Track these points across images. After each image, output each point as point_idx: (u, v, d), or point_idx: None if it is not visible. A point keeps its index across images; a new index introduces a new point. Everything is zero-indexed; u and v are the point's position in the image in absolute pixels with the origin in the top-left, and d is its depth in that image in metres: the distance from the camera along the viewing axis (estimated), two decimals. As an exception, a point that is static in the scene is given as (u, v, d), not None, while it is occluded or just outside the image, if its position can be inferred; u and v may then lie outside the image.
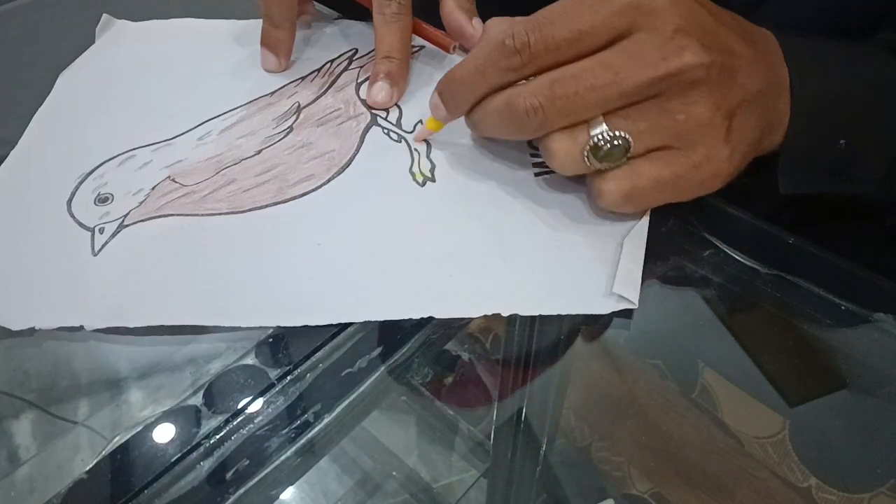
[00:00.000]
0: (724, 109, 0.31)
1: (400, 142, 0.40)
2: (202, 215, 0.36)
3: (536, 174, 0.37)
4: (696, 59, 0.30)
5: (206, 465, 0.28)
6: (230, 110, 0.42)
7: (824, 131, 0.34)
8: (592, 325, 0.33)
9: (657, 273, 0.32)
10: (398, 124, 0.41)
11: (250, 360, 0.30)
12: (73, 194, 0.37)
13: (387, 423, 0.36)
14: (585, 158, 0.32)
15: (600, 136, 0.31)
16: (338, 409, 0.30)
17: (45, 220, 0.36)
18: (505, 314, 0.31)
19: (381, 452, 0.36)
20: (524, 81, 0.32)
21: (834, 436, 0.32)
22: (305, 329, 0.31)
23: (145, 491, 0.27)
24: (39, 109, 0.44)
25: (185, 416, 0.29)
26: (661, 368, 0.34)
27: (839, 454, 0.31)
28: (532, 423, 0.33)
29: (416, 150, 0.39)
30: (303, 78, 0.45)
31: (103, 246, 0.35)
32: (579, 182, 0.36)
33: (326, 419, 0.29)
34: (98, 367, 0.31)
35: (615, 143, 0.31)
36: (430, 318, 0.31)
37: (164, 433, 0.28)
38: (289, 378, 0.30)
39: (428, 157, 0.38)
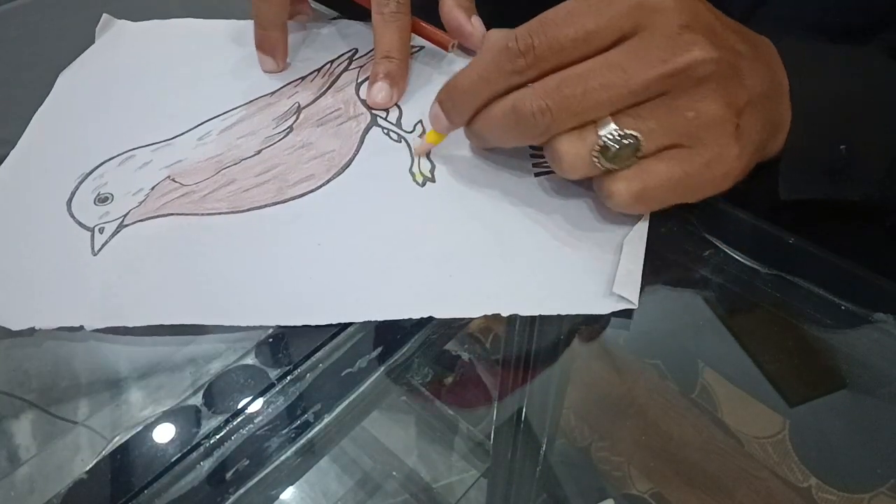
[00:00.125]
0: (733, 107, 0.30)
1: (400, 142, 0.40)
2: (202, 215, 0.36)
3: (536, 174, 0.37)
4: (705, 55, 0.29)
5: (206, 465, 0.28)
6: (230, 110, 0.43)
7: (824, 133, 0.34)
8: (592, 325, 0.33)
9: (657, 273, 0.32)
10: (398, 124, 0.41)
11: (250, 360, 0.30)
12: (72, 194, 0.37)
13: (387, 423, 0.36)
14: (595, 160, 0.31)
15: (609, 136, 0.30)
16: (338, 409, 0.30)
17: (45, 220, 0.36)
18: (505, 314, 0.31)
19: (381, 452, 0.36)
20: (528, 86, 0.31)
21: (834, 436, 0.32)
22: (305, 329, 0.31)
23: (145, 491, 0.27)
24: (39, 109, 0.44)
25: (185, 416, 0.29)
26: (661, 368, 0.34)
27: (839, 454, 0.31)
28: (532, 423, 0.33)
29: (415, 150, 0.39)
30: (303, 78, 0.45)
31: (103, 245, 0.35)
32: (579, 182, 0.36)
33: (326, 419, 0.29)
34: (98, 367, 0.31)
35: (625, 142, 0.30)
36: (430, 318, 0.31)
37: (164, 433, 0.28)
38: (289, 378, 0.30)
39: (428, 157, 0.38)
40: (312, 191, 0.37)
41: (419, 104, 0.42)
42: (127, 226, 0.35)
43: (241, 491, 0.27)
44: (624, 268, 0.32)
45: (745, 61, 0.31)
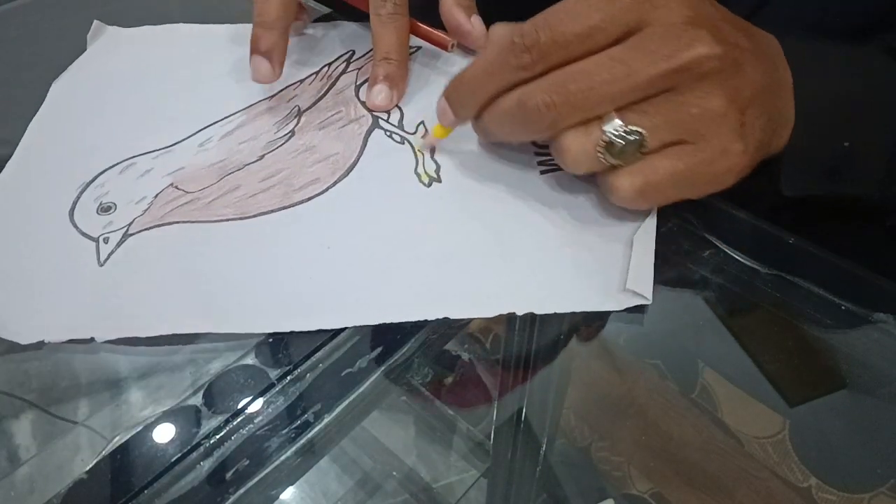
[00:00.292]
0: (737, 104, 0.31)
1: (403, 143, 0.40)
2: (208, 222, 0.36)
3: (542, 172, 0.37)
4: (709, 50, 0.29)
5: (206, 465, 0.28)
6: (229, 115, 0.42)
7: (825, 132, 0.34)
8: (592, 325, 0.33)
9: (657, 273, 0.32)
10: (400, 126, 0.41)
11: (250, 360, 0.30)
12: (74, 204, 0.37)
13: (387, 423, 0.36)
14: (599, 155, 0.31)
15: (614, 132, 0.30)
16: (338, 409, 0.30)
17: (48, 230, 0.36)
18: (520, 313, 0.31)
19: (381, 452, 0.36)
20: (534, 81, 0.31)
21: (834, 436, 0.32)
22: (305, 329, 0.31)
23: (145, 491, 0.27)
24: (35, 118, 0.43)
25: (185, 416, 0.29)
26: (661, 368, 0.34)
27: (839, 454, 0.31)
28: (532, 423, 0.33)
29: (420, 150, 0.39)
30: (301, 81, 0.45)
31: (109, 256, 0.34)
32: (585, 179, 0.36)
33: (326, 419, 0.29)
34: (98, 367, 0.31)
35: (630, 137, 0.30)
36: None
37: (164, 433, 0.28)
38: (289, 378, 0.30)
39: (433, 157, 0.38)
40: (319, 194, 0.37)
41: (420, 105, 0.42)
42: (132, 235, 0.35)
43: (241, 491, 0.27)
44: (636, 263, 0.32)
45: (748, 57, 0.31)
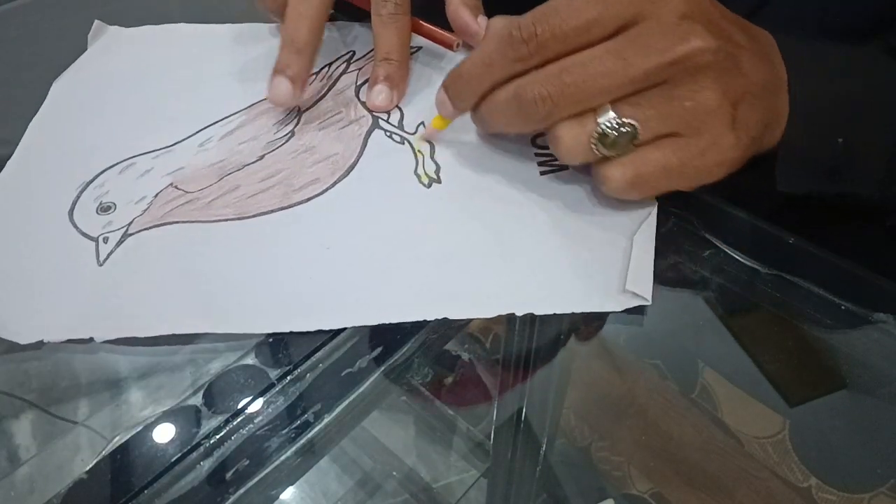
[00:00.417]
0: (730, 97, 0.31)
1: (403, 144, 0.40)
2: (208, 222, 0.36)
3: (542, 173, 0.37)
4: (703, 44, 0.30)
5: (206, 465, 0.28)
6: (229, 115, 0.42)
7: (823, 132, 0.34)
8: (592, 325, 0.33)
9: (657, 273, 0.32)
10: (400, 126, 0.41)
11: (250, 360, 0.30)
12: (74, 203, 0.37)
13: (387, 423, 0.36)
14: (593, 146, 0.32)
15: (608, 124, 0.31)
16: (338, 409, 0.30)
17: (47, 230, 0.36)
18: (520, 314, 0.31)
19: (381, 452, 0.36)
20: (531, 73, 0.32)
21: (834, 436, 0.32)
22: (305, 329, 0.31)
23: (145, 491, 0.27)
24: (35, 117, 0.43)
25: (185, 416, 0.29)
26: (661, 368, 0.34)
27: (839, 454, 0.31)
28: (532, 423, 0.33)
29: (420, 151, 0.39)
30: (301, 81, 0.45)
31: (108, 255, 0.34)
32: (586, 180, 0.36)
33: (326, 419, 0.29)
34: (98, 366, 0.31)
35: (623, 130, 0.31)
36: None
37: (164, 433, 0.28)
38: (289, 378, 0.30)
39: (432, 158, 0.38)
40: (318, 195, 0.37)
41: (420, 105, 0.42)
42: (131, 234, 0.35)
43: (241, 491, 0.27)
44: (635, 264, 0.32)
45: (744, 52, 0.31)
